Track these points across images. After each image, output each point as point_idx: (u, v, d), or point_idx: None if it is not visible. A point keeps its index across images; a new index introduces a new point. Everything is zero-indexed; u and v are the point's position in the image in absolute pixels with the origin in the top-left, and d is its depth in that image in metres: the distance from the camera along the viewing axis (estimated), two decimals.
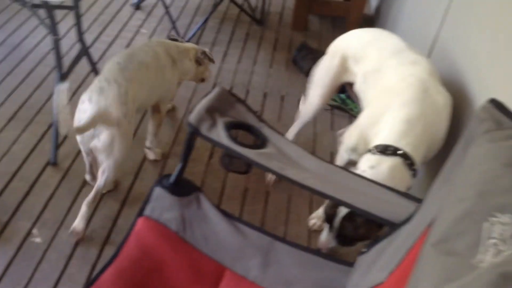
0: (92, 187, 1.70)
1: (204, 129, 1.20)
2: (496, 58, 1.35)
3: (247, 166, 1.30)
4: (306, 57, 2.69)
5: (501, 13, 1.37)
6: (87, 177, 1.85)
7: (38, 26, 2.81)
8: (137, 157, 2.06)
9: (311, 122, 2.36)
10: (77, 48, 2.22)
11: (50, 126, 2.13)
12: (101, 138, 1.58)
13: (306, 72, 2.66)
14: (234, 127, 1.23)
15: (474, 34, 1.54)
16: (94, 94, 1.57)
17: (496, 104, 0.76)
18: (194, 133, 1.20)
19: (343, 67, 1.76)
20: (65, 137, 2.10)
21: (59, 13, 2.83)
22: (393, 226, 0.98)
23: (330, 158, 2.13)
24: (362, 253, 1.06)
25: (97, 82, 1.61)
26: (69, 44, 2.65)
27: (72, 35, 2.71)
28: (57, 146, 1.99)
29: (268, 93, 2.55)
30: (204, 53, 2.01)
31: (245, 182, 2.02)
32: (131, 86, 1.61)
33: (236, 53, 2.81)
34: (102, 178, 1.65)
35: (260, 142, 1.22)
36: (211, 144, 2.11)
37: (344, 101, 2.43)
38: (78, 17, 2.08)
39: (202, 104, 1.25)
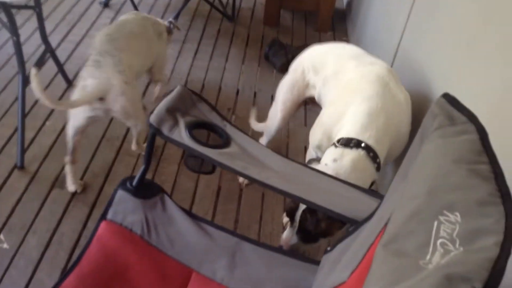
0: (62, 192, 1.67)
1: (165, 130, 1.17)
2: (455, 62, 1.36)
3: (213, 166, 1.28)
4: (277, 53, 2.68)
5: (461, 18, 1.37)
6: (67, 158, 1.82)
7: (1, 28, 2.74)
8: (107, 159, 2.02)
9: None
10: (42, 49, 2.18)
11: (16, 129, 2.08)
12: (116, 111, 1.67)
13: (279, 68, 2.66)
14: (197, 127, 1.21)
15: (435, 35, 1.54)
16: (92, 69, 1.63)
17: (449, 98, 0.75)
18: (156, 133, 1.18)
19: (304, 81, 1.77)
20: (32, 140, 2.06)
21: (23, 14, 2.80)
22: (356, 224, 0.98)
23: (304, 154, 2.13)
24: (327, 252, 1.06)
25: (92, 57, 1.68)
26: (35, 45, 2.59)
27: (38, 36, 2.66)
28: (24, 150, 1.95)
29: (241, 89, 2.53)
30: (171, 22, 2.16)
31: (218, 181, 2.01)
32: (123, 55, 1.69)
33: (208, 50, 2.79)
34: (136, 129, 1.89)
35: (223, 141, 1.20)
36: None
37: None
38: (41, 17, 2.04)
39: (162, 104, 1.22)
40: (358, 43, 2.76)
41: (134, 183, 1.25)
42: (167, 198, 1.27)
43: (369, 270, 0.64)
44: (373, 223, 0.86)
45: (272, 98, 2.47)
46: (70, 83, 2.39)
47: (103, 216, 1.19)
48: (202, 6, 3.17)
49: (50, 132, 2.11)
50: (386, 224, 0.73)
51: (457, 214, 0.57)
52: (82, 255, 1.12)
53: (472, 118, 0.70)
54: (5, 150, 2.00)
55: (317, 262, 1.16)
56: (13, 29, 1.75)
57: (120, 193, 1.23)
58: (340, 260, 0.96)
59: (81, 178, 1.92)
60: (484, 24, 1.23)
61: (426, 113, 0.79)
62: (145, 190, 1.26)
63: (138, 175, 1.25)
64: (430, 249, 0.55)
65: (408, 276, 0.53)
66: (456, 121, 0.71)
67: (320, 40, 2.99)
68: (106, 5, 3.05)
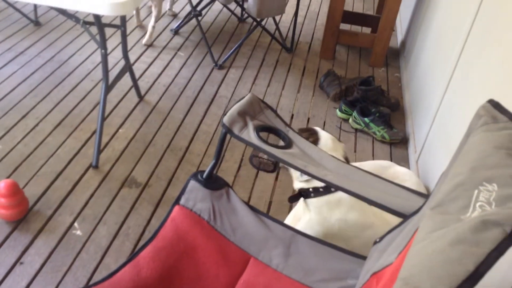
0: (130, 191, 1.85)
1: (236, 130, 1.34)
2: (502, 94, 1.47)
3: (274, 166, 1.43)
4: (332, 83, 2.84)
5: None
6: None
7: (84, 45, 3.05)
8: (171, 167, 2.21)
9: None
10: (119, 66, 2.43)
11: (93, 133, 2.32)
12: None
13: (332, 97, 2.81)
14: (263, 130, 1.37)
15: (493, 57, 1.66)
16: None
17: (493, 103, 0.88)
18: (227, 133, 1.34)
19: None
20: (106, 144, 2.28)
21: (107, 32, 3.11)
22: (404, 218, 1.09)
23: None
24: (376, 243, 1.17)
25: None
26: (113, 63, 2.87)
27: (116, 54, 2.95)
28: (99, 152, 2.17)
29: (295, 114, 2.69)
30: None
31: (270, 194, 2.15)
32: None
33: (266, 77, 2.99)
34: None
35: (286, 143, 1.35)
36: (239, 158, 2.27)
37: (367, 125, 2.55)
38: (124, 35, 2.29)
39: (234, 108, 1.39)
40: (409, 79, 2.88)
41: (205, 175, 1.41)
42: (231, 192, 1.43)
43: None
44: (419, 213, 0.98)
45: (325, 123, 2.63)
46: (141, 98, 2.63)
47: (177, 201, 1.36)
48: (263, 38, 3.41)
49: (122, 139, 2.33)
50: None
51: (495, 184, 0.69)
52: (157, 232, 1.28)
53: None
54: (82, 151, 2.23)
55: (364, 257, 1.27)
56: (103, 43, 1.99)
57: (192, 183, 1.40)
58: (387, 248, 1.07)
59: (147, 181, 2.11)
60: None
61: (473, 116, 0.91)
62: (213, 182, 1.42)
63: (208, 168, 1.42)
64: (470, 210, 0.68)
65: (449, 225, 0.65)
66: (499, 120, 0.83)
67: (373, 73, 3.13)
68: (176, 32, 3.33)
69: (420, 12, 3.03)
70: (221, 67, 3.01)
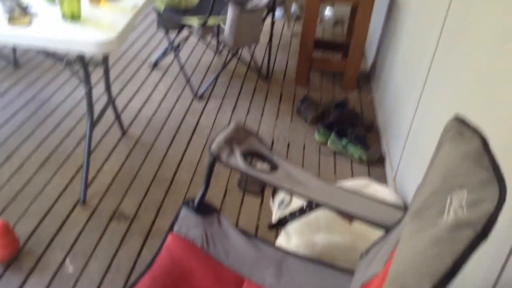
0: (119, 224, 1.89)
1: (223, 157, 1.41)
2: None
3: (261, 190, 1.50)
4: (309, 107, 2.95)
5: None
6: None
7: (65, 82, 3.11)
8: (158, 197, 2.26)
9: (315, 166, 2.58)
10: (101, 101, 2.49)
11: (79, 170, 2.36)
12: None
13: (309, 121, 2.92)
14: (249, 155, 1.44)
15: (462, 73, 1.78)
16: None
17: (459, 119, 0.98)
18: (215, 160, 1.41)
19: None
20: (93, 179, 2.32)
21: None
22: (387, 229, 1.17)
23: None
24: (362, 257, 1.24)
25: None
26: (94, 98, 2.92)
27: (97, 89, 3.01)
28: (87, 187, 2.20)
29: (275, 140, 2.78)
30: None
31: (256, 219, 2.20)
32: None
33: (245, 106, 3.08)
34: None
35: (271, 167, 1.43)
36: (224, 185, 2.34)
37: (345, 147, 2.65)
38: (107, 71, 2.36)
39: (221, 136, 1.47)
40: (381, 100, 3.01)
41: (195, 203, 1.47)
42: (222, 217, 1.49)
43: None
44: (401, 225, 1.06)
45: (304, 147, 2.72)
46: (125, 131, 2.69)
47: (170, 229, 1.41)
48: (240, 68, 3.52)
49: (108, 173, 2.38)
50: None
51: (465, 190, 0.78)
52: (153, 260, 1.33)
53: (476, 131, 0.92)
54: (69, 187, 2.26)
55: (353, 272, 1.34)
56: (87, 81, 2.06)
57: (184, 211, 1.46)
58: (373, 259, 1.15)
59: (135, 214, 2.15)
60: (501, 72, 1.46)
61: (442, 131, 1.01)
62: (204, 209, 1.48)
63: (198, 196, 1.48)
64: (445, 214, 0.76)
65: (428, 229, 0.73)
66: (464, 133, 0.93)
67: (347, 96, 3.26)
68: (155, 66, 3.41)
69: (387, 36, 3.19)
70: (200, 98, 3.09)
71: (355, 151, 2.62)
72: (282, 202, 1.76)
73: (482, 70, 1.52)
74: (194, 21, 2.86)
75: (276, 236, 2.10)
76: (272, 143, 2.75)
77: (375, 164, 2.63)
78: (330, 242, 1.67)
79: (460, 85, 1.71)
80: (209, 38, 3.37)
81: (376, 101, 3.17)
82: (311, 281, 1.36)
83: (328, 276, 1.37)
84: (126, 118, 2.82)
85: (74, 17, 1.81)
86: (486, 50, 1.50)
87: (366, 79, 3.52)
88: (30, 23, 1.76)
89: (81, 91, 3.02)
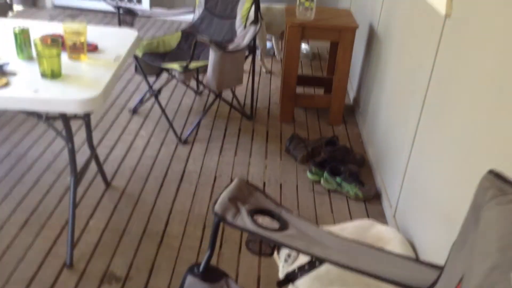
0: (111, 287, 1.75)
1: (229, 217, 1.31)
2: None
3: (272, 248, 1.40)
4: (297, 146, 2.88)
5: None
6: None
7: (41, 136, 2.96)
8: (150, 254, 2.12)
9: (311, 206, 2.49)
10: (82, 153, 2.37)
11: (62, 230, 2.21)
12: None
13: (300, 160, 2.84)
14: (256, 213, 1.35)
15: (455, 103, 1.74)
16: None
17: (495, 174, 0.91)
18: (220, 221, 1.31)
19: None
20: (78, 239, 2.17)
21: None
22: None
23: None
24: None
25: None
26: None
27: (76, 141, 2.87)
28: (73, 248, 2.05)
29: (267, 182, 2.69)
30: None
31: (257, 270, 2.09)
32: None
33: (232, 148, 2.99)
34: None
35: (281, 225, 1.33)
36: (219, 236, 2.22)
37: (339, 185, 2.58)
38: (89, 126, 2.24)
39: (224, 195, 1.37)
40: (370, 134, 2.97)
41: (201, 268, 1.35)
42: (231, 281, 1.37)
43: None
44: (442, 287, 0.98)
45: (297, 188, 2.64)
46: (108, 184, 2.55)
47: None
48: (222, 108, 3.44)
49: (94, 231, 2.23)
50: (460, 282, 0.85)
51: None
52: None
53: None
54: (53, 250, 2.10)
55: None
56: (69, 138, 1.93)
57: (190, 279, 1.34)
58: None
59: (127, 274, 2.01)
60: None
61: (476, 188, 0.94)
62: (211, 274, 1.36)
63: (204, 260, 1.36)
64: None
65: None
66: (506, 192, 0.86)
67: (333, 132, 3.21)
68: (134, 111, 3.31)
69: (369, 69, 3.18)
70: (185, 142, 2.99)
71: (351, 189, 2.55)
72: (289, 255, 1.66)
73: (481, 103, 1.48)
74: (175, 66, 2.79)
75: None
76: (264, 185, 2.65)
77: (372, 201, 2.56)
78: None
79: (457, 120, 1.67)
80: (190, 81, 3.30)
81: (364, 135, 3.13)
82: None
83: None
84: (108, 169, 2.68)
85: (55, 74, 1.70)
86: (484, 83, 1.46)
87: (350, 113, 3.49)
88: (7, 83, 1.64)
89: (59, 143, 2.88)
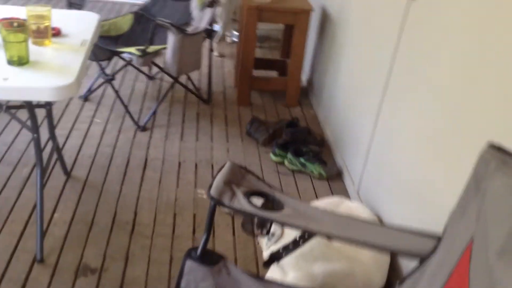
0: (87, 280, 1.71)
1: (226, 200, 1.32)
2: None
3: (268, 228, 1.43)
4: (259, 128, 2.91)
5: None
6: None
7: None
8: (123, 243, 2.08)
9: (279, 187, 2.54)
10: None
11: (26, 223, 2.11)
12: None
13: (262, 142, 2.88)
14: (252, 195, 1.36)
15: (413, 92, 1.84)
16: None
17: (495, 147, 0.99)
18: (217, 204, 1.32)
19: None
20: (45, 233, 2.08)
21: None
22: (422, 258, 1.16)
23: None
24: (397, 286, 1.22)
25: None
26: (26, 141, 2.66)
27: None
28: (42, 241, 1.97)
29: None
30: None
31: (233, 252, 2.11)
32: None
33: (192, 133, 2.96)
34: None
35: (276, 205, 1.36)
36: (191, 220, 2.21)
37: (303, 165, 2.65)
38: (50, 114, 2.15)
39: (219, 178, 1.37)
40: (327, 115, 3.06)
41: (199, 252, 1.36)
42: (229, 263, 1.39)
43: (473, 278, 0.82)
44: (445, 251, 1.05)
45: (262, 170, 2.68)
46: (68, 174, 2.46)
47: (177, 286, 1.28)
48: (178, 93, 3.39)
49: (61, 224, 2.15)
50: (471, 242, 0.92)
51: None
52: None
53: None
54: (20, 245, 2.01)
55: None
56: (35, 128, 1.84)
57: (189, 263, 1.34)
58: None
59: (102, 265, 1.96)
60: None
61: (477, 161, 1.01)
62: (209, 257, 1.37)
63: (201, 244, 1.37)
64: None
65: None
66: (509, 163, 0.94)
67: (290, 113, 3.27)
68: (86, 99, 3.18)
69: (323, 51, 3.25)
70: (144, 129, 2.93)
71: (314, 168, 2.63)
72: (272, 235, 1.69)
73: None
74: (133, 50, 2.71)
75: (257, 264, 2.03)
76: None
77: (334, 179, 2.65)
78: (329, 271, 1.63)
79: (423, 93, 1.76)
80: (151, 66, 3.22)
81: (320, 116, 3.21)
82: None
83: None
84: (66, 158, 2.57)
85: (22, 61, 1.61)
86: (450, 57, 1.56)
87: (304, 95, 3.56)
88: None
89: (11, 133, 2.73)
